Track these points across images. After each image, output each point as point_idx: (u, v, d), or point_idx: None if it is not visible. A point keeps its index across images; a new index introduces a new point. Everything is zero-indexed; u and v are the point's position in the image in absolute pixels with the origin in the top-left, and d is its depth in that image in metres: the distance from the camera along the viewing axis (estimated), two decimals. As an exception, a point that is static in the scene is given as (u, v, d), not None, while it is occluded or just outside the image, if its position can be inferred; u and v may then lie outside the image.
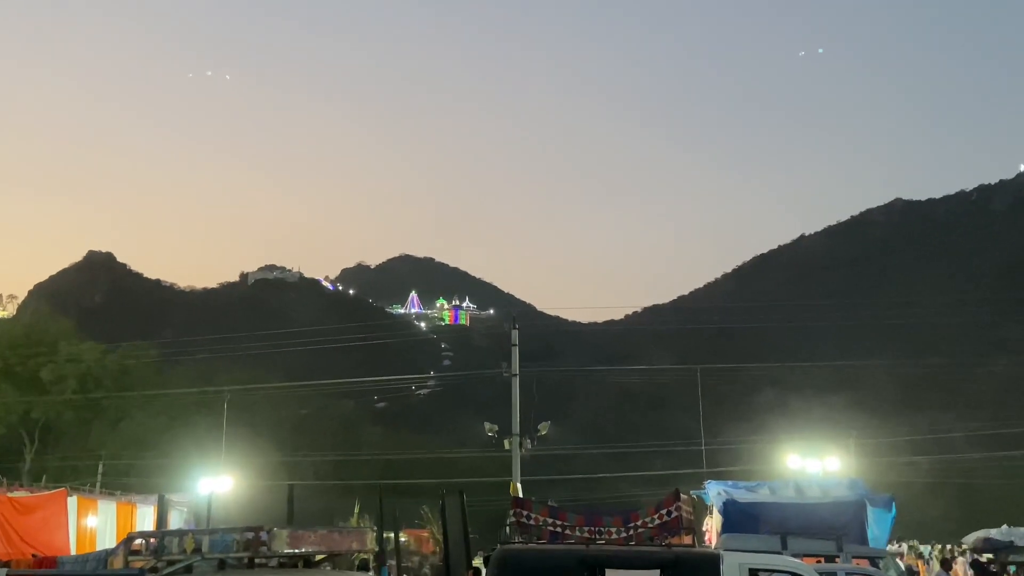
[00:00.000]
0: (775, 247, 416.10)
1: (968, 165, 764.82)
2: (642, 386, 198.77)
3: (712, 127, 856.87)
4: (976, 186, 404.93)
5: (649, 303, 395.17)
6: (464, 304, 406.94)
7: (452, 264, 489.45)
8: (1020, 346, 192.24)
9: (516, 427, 49.67)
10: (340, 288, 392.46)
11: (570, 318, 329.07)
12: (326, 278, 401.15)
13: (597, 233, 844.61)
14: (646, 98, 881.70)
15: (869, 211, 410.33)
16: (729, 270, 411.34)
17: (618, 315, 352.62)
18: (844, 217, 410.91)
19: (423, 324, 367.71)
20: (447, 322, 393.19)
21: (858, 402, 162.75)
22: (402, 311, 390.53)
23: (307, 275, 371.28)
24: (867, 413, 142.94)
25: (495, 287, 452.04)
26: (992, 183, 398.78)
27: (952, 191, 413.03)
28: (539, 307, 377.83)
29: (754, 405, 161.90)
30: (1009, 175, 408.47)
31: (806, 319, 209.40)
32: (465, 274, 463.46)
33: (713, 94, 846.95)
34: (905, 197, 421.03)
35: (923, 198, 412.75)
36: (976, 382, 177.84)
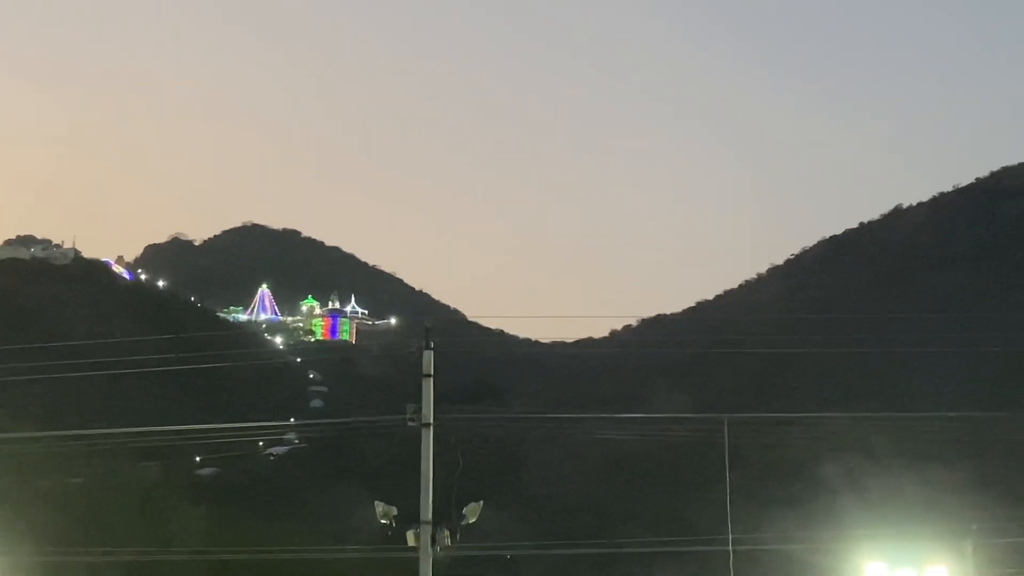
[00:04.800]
0: (854, 226, 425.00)
1: None
2: (639, 446, 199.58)
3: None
4: None
5: (650, 313, 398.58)
6: (349, 307, 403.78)
7: (331, 243, 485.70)
8: None
9: (427, 511, 49.57)
10: (142, 276, 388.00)
11: (522, 334, 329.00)
12: (119, 260, 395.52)
13: (567, 207, 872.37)
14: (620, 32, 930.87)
15: (1005, 171, 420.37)
16: (779, 263, 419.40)
17: (601, 330, 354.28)
18: (965, 181, 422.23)
19: (279, 338, 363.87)
20: (319, 336, 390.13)
21: (984, 478, 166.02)
22: (245, 316, 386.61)
23: (86, 254, 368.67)
24: (998, 495, 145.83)
25: (401, 282, 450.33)
26: None
27: None
28: (471, 315, 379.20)
29: (813, 480, 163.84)
30: None
31: (901, 342, 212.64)
32: (352, 259, 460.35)
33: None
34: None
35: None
36: None
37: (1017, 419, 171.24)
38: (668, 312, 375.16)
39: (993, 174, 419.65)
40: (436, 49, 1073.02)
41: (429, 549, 49.40)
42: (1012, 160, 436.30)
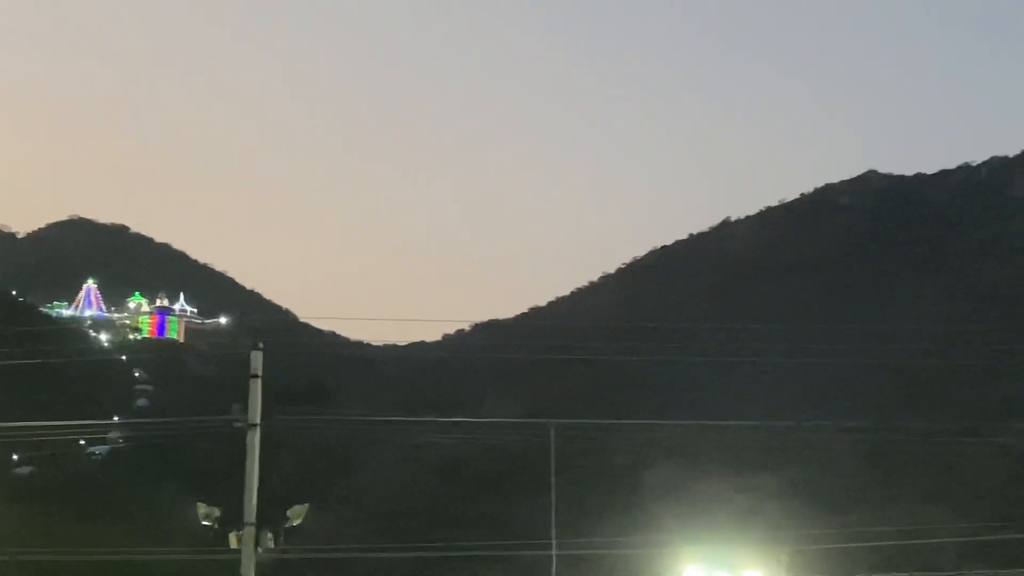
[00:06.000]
0: (684, 237, 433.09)
1: (977, 130, 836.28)
2: (469, 450, 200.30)
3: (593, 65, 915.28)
4: (987, 159, 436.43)
5: (483, 317, 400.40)
6: (178, 306, 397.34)
7: (160, 239, 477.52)
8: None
9: (251, 512, 49.24)
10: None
11: (354, 336, 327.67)
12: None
13: (401, 210, 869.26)
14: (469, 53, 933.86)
15: (829, 188, 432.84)
16: (611, 271, 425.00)
17: (433, 334, 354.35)
18: (791, 196, 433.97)
19: (105, 335, 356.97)
20: (146, 333, 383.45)
21: (802, 485, 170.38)
22: (70, 312, 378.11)
23: None
24: (815, 503, 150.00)
25: (232, 281, 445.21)
26: (1011, 155, 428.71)
27: (952, 164, 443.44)
28: (303, 316, 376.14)
29: (638, 486, 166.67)
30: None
31: (729, 351, 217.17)
32: (182, 256, 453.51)
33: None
34: (882, 171, 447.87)
35: (909, 172, 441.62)
36: (979, 461, 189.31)
37: (842, 427, 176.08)
38: (501, 317, 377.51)
39: (817, 190, 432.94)
40: (270, 40, 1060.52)
41: (252, 551, 49.03)
42: (835, 177, 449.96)
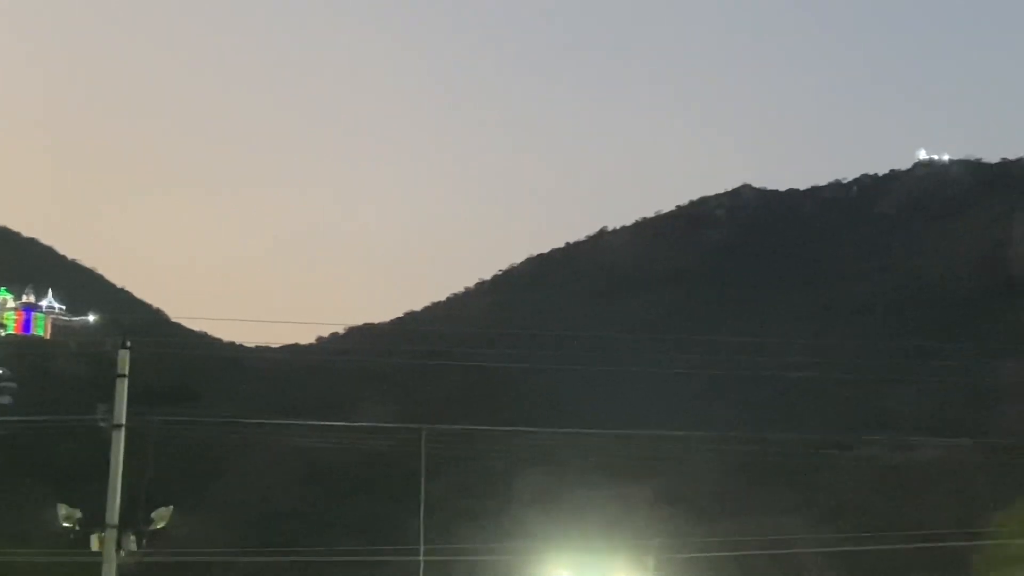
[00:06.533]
0: (561, 246, 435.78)
1: (848, 148, 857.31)
2: (341, 454, 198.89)
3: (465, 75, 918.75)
4: (858, 176, 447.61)
5: (358, 321, 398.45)
6: (45, 302, 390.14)
7: (28, 234, 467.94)
8: (904, 420, 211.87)
9: (114, 514, 48.54)
10: None
11: (227, 337, 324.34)
12: None
13: (276, 211, 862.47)
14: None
15: (704, 200, 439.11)
16: (487, 277, 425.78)
17: (307, 336, 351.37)
18: (667, 207, 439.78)
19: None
20: (11, 330, 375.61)
21: (671, 494, 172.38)
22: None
23: None
24: (682, 512, 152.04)
25: (102, 278, 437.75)
26: (880, 174, 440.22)
27: (823, 181, 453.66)
28: (174, 316, 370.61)
29: (509, 492, 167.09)
30: (904, 165, 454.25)
31: (602, 360, 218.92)
32: (50, 252, 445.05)
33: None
34: (756, 185, 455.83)
35: (782, 187, 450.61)
36: (843, 473, 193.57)
37: (710, 438, 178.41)
38: (376, 321, 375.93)
39: (692, 202, 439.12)
40: (147, 25, 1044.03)
41: (114, 554, 48.18)
42: (710, 191, 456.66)
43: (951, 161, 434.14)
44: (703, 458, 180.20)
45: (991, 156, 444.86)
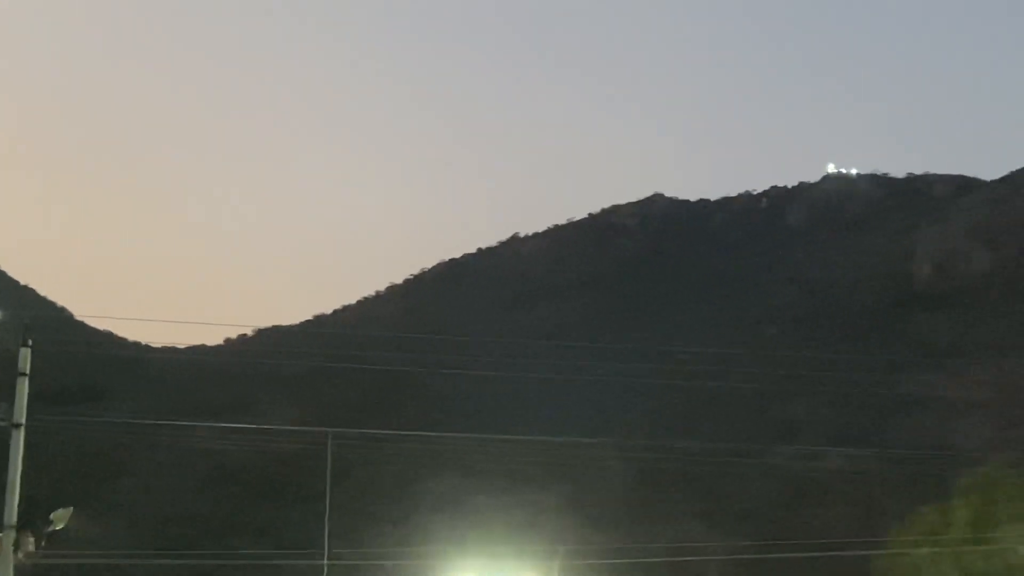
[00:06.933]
0: (473, 251, 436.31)
1: (759, 160, 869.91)
2: (246, 457, 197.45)
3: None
4: (768, 188, 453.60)
5: (267, 323, 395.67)
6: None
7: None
8: (809, 430, 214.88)
9: (12, 515, 47.91)
10: None
11: (132, 337, 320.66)
12: None
13: (185, 209, 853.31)
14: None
15: (616, 208, 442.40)
16: (399, 281, 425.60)
17: (215, 338, 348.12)
18: (579, 215, 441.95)
19: None
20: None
21: (578, 501, 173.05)
22: None
23: None
24: (588, 519, 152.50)
25: (4, 274, 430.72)
26: (790, 186, 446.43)
27: (734, 192, 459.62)
28: (79, 314, 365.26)
29: (415, 497, 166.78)
30: (813, 178, 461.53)
31: (511, 365, 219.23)
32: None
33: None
34: (668, 194, 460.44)
35: (693, 197, 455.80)
36: (747, 481, 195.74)
37: (615, 445, 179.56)
38: (285, 323, 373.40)
39: (604, 210, 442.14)
40: (35, 24, 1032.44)
41: (11, 555, 47.50)
42: (622, 199, 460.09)
43: (859, 175, 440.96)
44: (611, 465, 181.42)
45: (898, 171, 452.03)
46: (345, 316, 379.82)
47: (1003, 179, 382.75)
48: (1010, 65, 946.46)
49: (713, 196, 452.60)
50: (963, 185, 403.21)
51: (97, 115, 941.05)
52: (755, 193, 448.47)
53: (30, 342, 52.04)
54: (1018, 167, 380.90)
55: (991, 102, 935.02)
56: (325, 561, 67.17)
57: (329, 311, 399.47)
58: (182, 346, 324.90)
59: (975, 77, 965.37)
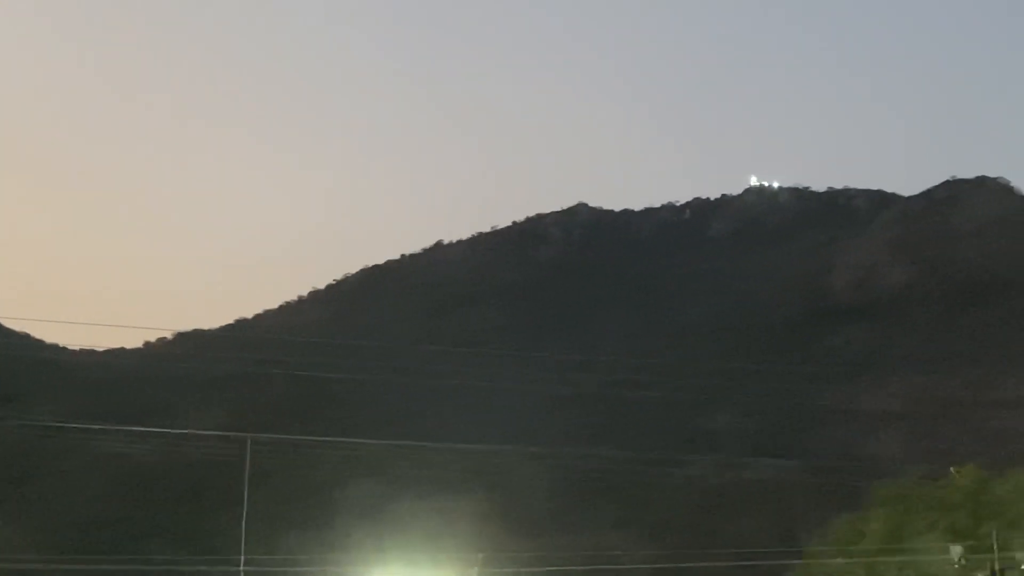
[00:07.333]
0: (396, 257, 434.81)
1: (682, 172, 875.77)
2: (164, 461, 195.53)
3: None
4: (691, 200, 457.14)
5: (188, 327, 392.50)
6: None
7: None
8: (730, 440, 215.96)
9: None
10: None
11: (50, 339, 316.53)
12: None
13: (110, 211, 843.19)
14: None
15: (540, 217, 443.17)
16: (321, 287, 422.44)
17: (134, 341, 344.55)
18: (503, 223, 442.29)
19: None
20: None
21: (498, 508, 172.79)
22: None
23: None
24: (508, 526, 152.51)
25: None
26: (712, 198, 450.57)
27: (657, 203, 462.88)
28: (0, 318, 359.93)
29: (335, 503, 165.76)
30: (735, 190, 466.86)
31: (433, 373, 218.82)
32: None
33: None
34: (592, 204, 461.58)
35: (617, 208, 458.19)
36: (668, 491, 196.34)
37: (537, 453, 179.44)
38: (206, 327, 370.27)
39: (529, 219, 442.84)
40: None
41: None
42: (546, 208, 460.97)
43: (780, 188, 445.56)
44: (532, 472, 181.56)
45: (819, 185, 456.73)
46: (267, 321, 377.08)
47: (921, 194, 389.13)
48: (929, 84, 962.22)
49: (636, 207, 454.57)
50: (882, 200, 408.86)
51: (9, 115, 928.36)
52: (678, 204, 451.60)
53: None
54: (935, 183, 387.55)
55: (910, 119, 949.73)
56: (242, 568, 66.52)
57: (251, 315, 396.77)
58: (101, 349, 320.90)
59: (895, 95, 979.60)
